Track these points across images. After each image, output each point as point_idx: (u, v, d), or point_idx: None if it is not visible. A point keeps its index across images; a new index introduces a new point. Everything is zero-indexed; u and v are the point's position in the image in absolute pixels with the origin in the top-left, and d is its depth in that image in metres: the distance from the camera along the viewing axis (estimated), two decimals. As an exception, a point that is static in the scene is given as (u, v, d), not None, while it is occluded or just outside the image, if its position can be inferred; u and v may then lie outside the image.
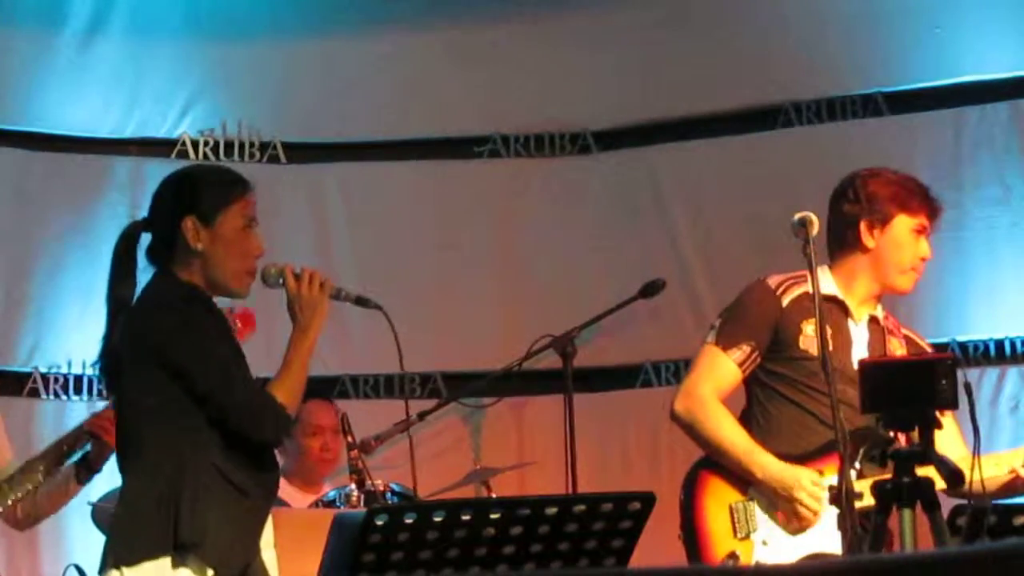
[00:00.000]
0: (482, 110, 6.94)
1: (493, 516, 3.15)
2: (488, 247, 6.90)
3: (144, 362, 3.65)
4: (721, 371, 4.30)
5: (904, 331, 4.47)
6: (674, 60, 6.81)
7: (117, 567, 3.59)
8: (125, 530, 3.64)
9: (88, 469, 4.61)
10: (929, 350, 4.55)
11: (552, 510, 3.17)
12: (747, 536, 4.23)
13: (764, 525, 4.24)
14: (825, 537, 4.14)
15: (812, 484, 4.15)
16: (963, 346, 6.35)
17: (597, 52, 6.87)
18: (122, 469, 3.74)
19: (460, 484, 5.90)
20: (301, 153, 6.96)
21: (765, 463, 4.19)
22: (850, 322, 4.35)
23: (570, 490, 5.42)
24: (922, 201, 4.38)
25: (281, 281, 3.80)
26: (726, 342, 4.31)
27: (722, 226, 6.66)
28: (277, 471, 3.77)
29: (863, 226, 4.34)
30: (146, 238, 3.84)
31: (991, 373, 6.29)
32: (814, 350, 4.20)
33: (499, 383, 6.14)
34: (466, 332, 6.81)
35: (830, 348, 4.18)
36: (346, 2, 6.95)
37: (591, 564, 3.20)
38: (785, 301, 4.31)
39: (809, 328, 4.26)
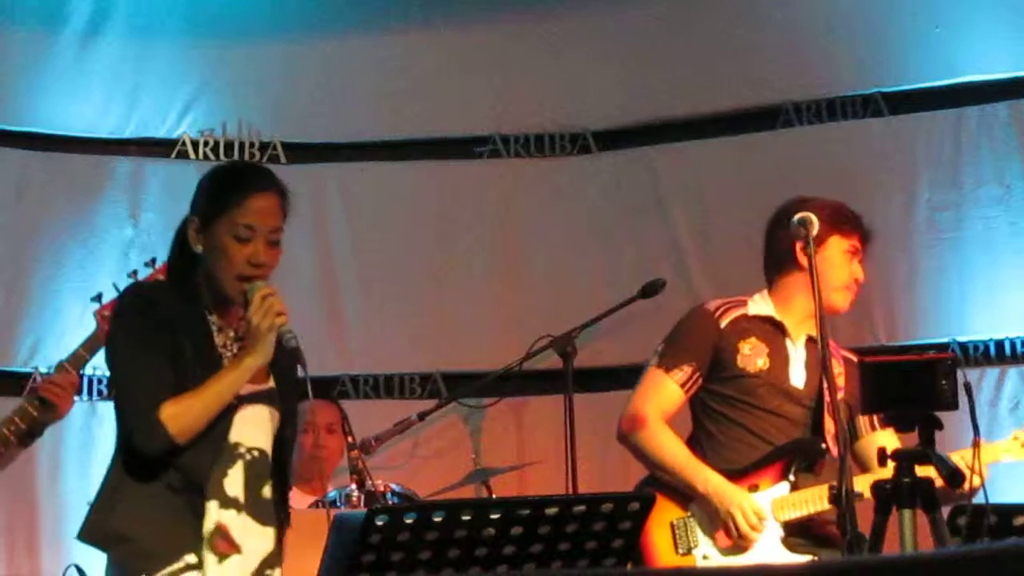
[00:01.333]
0: (482, 110, 6.94)
1: (493, 516, 3.15)
2: (488, 247, 6.90)
3: None
4: (664, 393, 4.48)
5: (843, 352, 4.56)
6: (674, 60, 6.82)
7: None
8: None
9: (29, 433, 4.53)
10: (859, 358, 4.61)
11: (552, 510, 3.17)
12: (688, 552, 4.37)
13: (704, 541, 4.37)
14: (765, 555, 4.29)
15: (751, 508, 4.30)
16: (963, 346, 6.35)
17: (597, 52, 6.88)
18: None
19: (460, 484, 5.90)
20: (301, 153, 6.96)
21: (707, 477, 4.35)
22: (788, 342, 4.50)
23: (570, 490, 5.42)
24: (855, 225, 4.51)
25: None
26: (668, 364, 4.50)
27: (722, 226, 6.66)
28: (209, 463, 3.64)
29: (798, 247, 4.43)
30: None
31: (991, 373, 6.29)
32: (751, 368, 4.45)
33: (499, 383, 6.14)
34: (466, 332, 6.81)
35: (767, 366, 4.44)
36: (346, 2, 6.95)
37: (591, 564, 3.20)
38: (723, 323, 4.49)
39: (746, 348, 4.46)
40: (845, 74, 6.66)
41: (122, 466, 3.67)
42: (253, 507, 3.68)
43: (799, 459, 4.37)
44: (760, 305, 4.53)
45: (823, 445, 4.36)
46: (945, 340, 6.34)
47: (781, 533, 4.34)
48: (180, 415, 3.57)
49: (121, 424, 3.68)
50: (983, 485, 3.72)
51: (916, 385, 3.49)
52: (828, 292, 4.42)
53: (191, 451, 3.63)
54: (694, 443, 4.50)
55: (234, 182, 3.77)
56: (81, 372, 4.60)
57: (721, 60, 6.77)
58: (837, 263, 4.45)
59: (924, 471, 3.56)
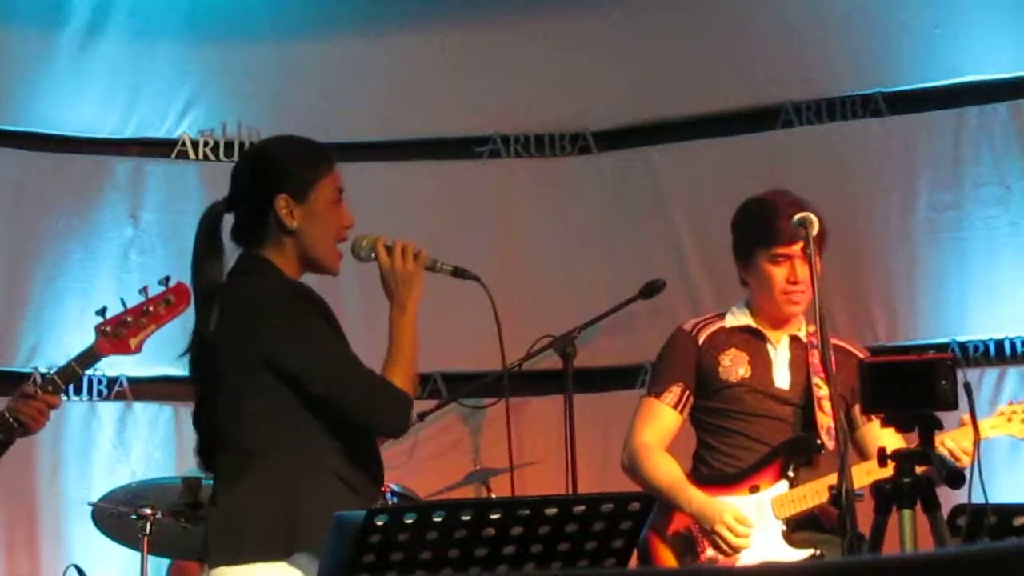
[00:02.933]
0: (482, 110, 6.94)
1: (493, 516, 3.15)
2: (488, 247, 6.89)
3: (250, 367, 3.54)
4: (659, 418, 4.59)
5: (835, 341, 4.49)
6: (674, 60, 6.81)
7: (228, 564, 3.50)
8: (235, 532, 3.51)
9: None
10: (856, 348, 4.64)
11: (552, 510, 3.17)
12: (696, 560, 4.45)
13: (708, 551, 4.45)
14: (768, 553, 4.36)
15: (732, 519, 4.37)
16: (963, 346, 6.35)
17: (597, 52, 6.87)
18: (219, 468, 3.63)
19: (460, 484, 5.90)
20: (301, 153, 6.94)
21: (691, 497, 4.44)
22: (768, 347, 4.56)
23: (570, 490, 5.42)
24: (772, 230, 4.46)
25: (373, 255, 3.67)
26: (657, 389, 4.62)
27: (722, 226, 6.60)
28: (381, 464, 3.66)
29: (739, 266, 4.60)
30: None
31: (991, 373, 6.29)
32: (733, 378, 4.52)
33: (499, 383, 6.14)
34: (466, 332, 6.79)
35: (749, 374, 4.51)
36: (346, 2, 6.95)
37: (591, 564, 3.20)
38: (701, 339, 4.59)
39: (726, 360, 4.54)
40: (845, 74, 6.66)
41: (299, 472, 3.51)
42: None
43: (795, 456, 4.44)
44: (737, 317, 4.60)
45: (817, 440, 4.41)
46: (945, 340, 6.34)
47: (784, 529, 4.40)
48: (408, 380, 3.59)
49: (346, 417, 3.54)
50: (977, 464, 3.68)
51: (916, 385, 3.48)
52: (771, 305, 4.53)
53: (371, 447, 3.59)
54: (699, 459, 4.59)
55: (318, 150, 3.77)
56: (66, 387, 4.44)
57: (721, 60, 6.76)
58: (763, 276, 4.49)
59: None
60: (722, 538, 4.36)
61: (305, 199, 3.64)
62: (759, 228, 4.50)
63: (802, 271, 4.43)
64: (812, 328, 4.54)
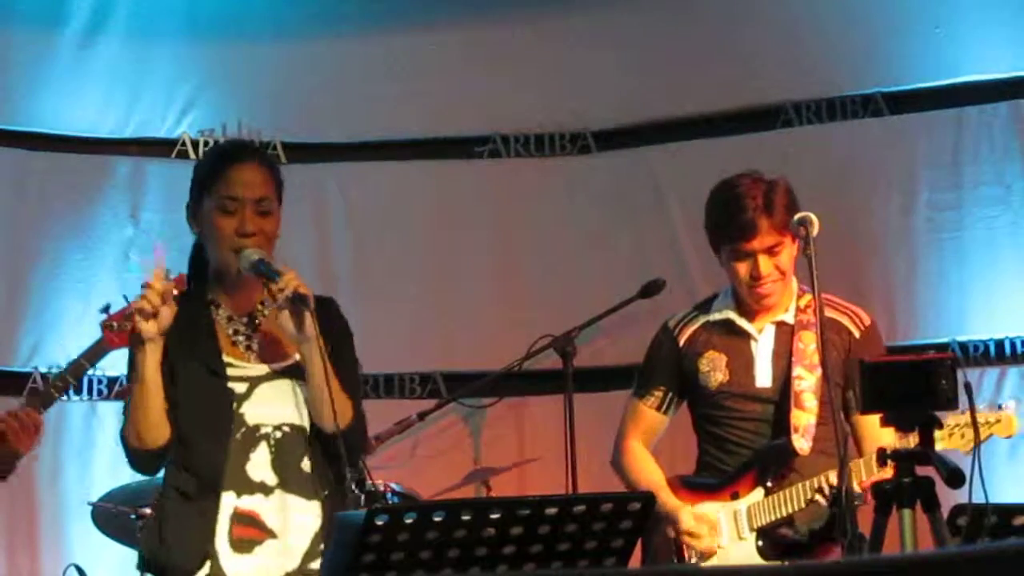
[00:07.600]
0: (482, 110, 6.94)
1: (493, 516, 3.15)
2: (488, 247, 6.90)
3: None
4: (642, 420, 4.62)
5: (829, 314, 4.34)
6: (674, 60, 6.82)
7: None
8: None
9: None
10: (853, 322, 4.47)
11: (552, 510, 3.16)
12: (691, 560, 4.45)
13: (695, 554, 4.44)
14: (741, 557, 4.34)
15: (691, 519, 4.39)
16: (963, 346, 6.35)
17: (597, 52, 6.88)
18: None
19: (460, 484, 5.90)
20: (301, 153, 6.95)
21: (661, 503, 4.40)
22: (750, 342, 4.48)
23: (570, 490, 5.41)
24: (731, 231, 4.39)
25: (275, 277, 3.61)
26: (641, 392, 4.64)
27: (722, 226, 6.65)
28: (215, 466, 3.62)
29: (714, 252, 4.51)
30: None
31: (991, 373, 6.29)
32: (712, 384, 4.47)
33: (499, 383, 6.14)
34: (466, 332, 6.81)
35: (727, 379, 4.45)
36: (346, 2, 6.95)
37: (591, 564, 3.20)
38: (681, 341, 4.56)
39: (704, 364, 4.50)
40: (845, 74, 6.66)
41: (162, 487, 3.75)
42: (292, 484, 3.65)
43: (771, 464, 4.38)
44: (720, 308, 4.53)
45: (791, 446, 4.33)
46: (945, 340, 6.34)
47: (759, 543, 4.37)
48: (130, 417, 3.63)
49: None
50: (977, 464, 3.66)
51: (916, 385, 3.48)
52: (743, 298, 4.46)
53: (199, 451, 3.63)
54: (700, 464, 4.57)
55: (215, 159, 3.83)
56: (62, 398, 4.45)
57: (721, 60, 6.77)
58: (732, 270, 4.43)
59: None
60: (688, 541, 4.38)
61: (199, 213, 3.75)
62: (722, 222, 4.42)
63: (765, 265, 4.35)
64: (803, 303, 4.45)
